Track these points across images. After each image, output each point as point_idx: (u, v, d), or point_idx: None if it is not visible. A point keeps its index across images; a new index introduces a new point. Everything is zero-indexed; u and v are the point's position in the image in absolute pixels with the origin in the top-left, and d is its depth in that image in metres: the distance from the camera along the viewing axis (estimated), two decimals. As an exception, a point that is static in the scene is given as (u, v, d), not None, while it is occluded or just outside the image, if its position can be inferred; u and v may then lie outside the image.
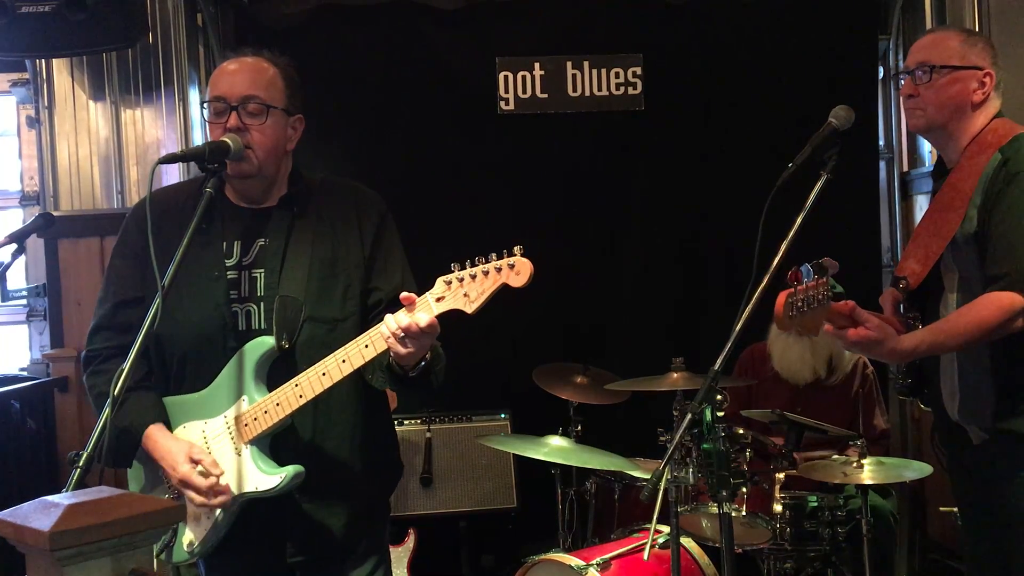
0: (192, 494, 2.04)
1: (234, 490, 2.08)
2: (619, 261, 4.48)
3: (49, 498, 1.17)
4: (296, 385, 2.05)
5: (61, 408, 4.16)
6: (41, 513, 1.12)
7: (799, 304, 1.99)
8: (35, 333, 4.46)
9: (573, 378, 3.91)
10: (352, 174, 4.15)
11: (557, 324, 4.36)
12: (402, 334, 1.93)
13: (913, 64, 2.40)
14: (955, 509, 2.80)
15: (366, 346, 2.00)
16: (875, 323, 2.16)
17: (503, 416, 4.18)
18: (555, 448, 3.17)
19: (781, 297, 1.98)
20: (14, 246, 3.01)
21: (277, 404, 2.06)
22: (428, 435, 4.06)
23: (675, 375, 3.28)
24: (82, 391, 3.41)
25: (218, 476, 2.05)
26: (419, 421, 4.08)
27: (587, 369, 3.94)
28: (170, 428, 2.15)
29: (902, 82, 2.44)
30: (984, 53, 2.39)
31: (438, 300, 1.95)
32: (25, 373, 4.38)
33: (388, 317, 1.96)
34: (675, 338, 4.34)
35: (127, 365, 1.81)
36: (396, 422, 3.95)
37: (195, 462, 2.05)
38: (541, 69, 4.44)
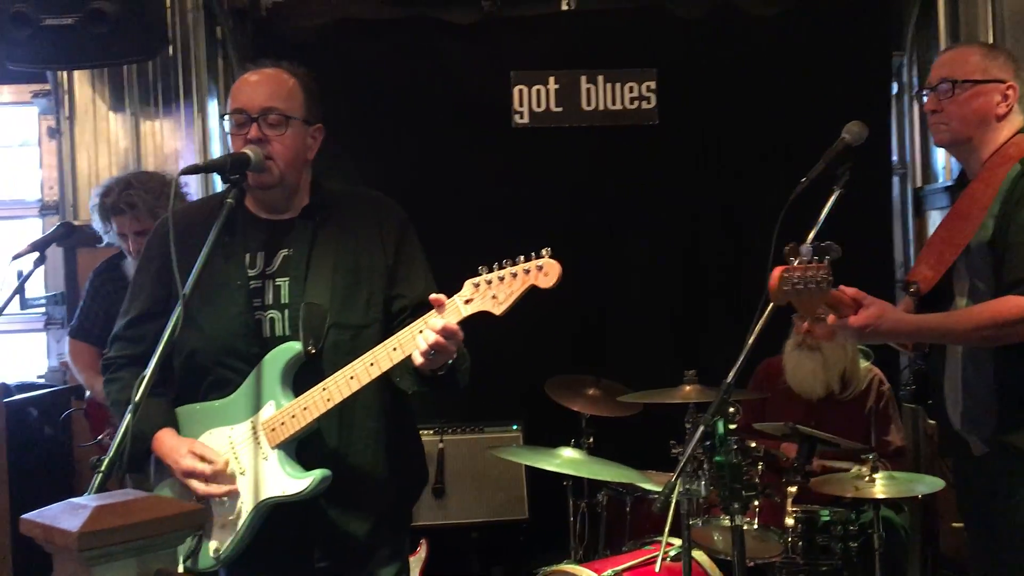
0: (195, 483, 2.09)
1: (261, 495, 2.11)
2: (632, 274, 4.50)
3: (77, 500, 1.20)
4: (324, 389, 2.07)
5: (78, 416, 4.18)
6: (69, 514, 1.15)
7: (795, 280, 1.97)
8: (53, 341, 4.51)
9: (585, 390, 3.93)
10: (366, 186, 4.22)
11: (570, 336, 4.38)
12: (433, 351, 1.95)
13: (935, 80, 2.42)
14: (966, 524, 2.79)
15: (394, 349, 2.03)
16: (871, 301, 2.16)
17: (515, 427, 4.20)
18: (567, 460, 3.18)
19: (776, 271, 1.97)
20: (36, 254, 3.08)
21: (304, 408, 2.08)
22: (440, 445, 4.08)
23: (688, 388, 3.29)
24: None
25: (222, 463, 2.09)
26: (432, 432, 4.10)
27: (599, 381, 3.96)
28: (179, 432, 2.19)
29: (925, 98, 2.46)
30: (1007, 66, 2.42)
31: (466, 302, 1.98)
32: (42, 381, 4.42)
33: (418, 325, 1.98)
34: (688, 351, 4.35)
35: (148, 372, 1.83)
36: (409, 432, 4.00)
37: (197, 455, 2.09)
38: (556, 83, 4.48)
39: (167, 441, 2.14)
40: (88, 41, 3.80)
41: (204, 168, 2.32)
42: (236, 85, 2.22)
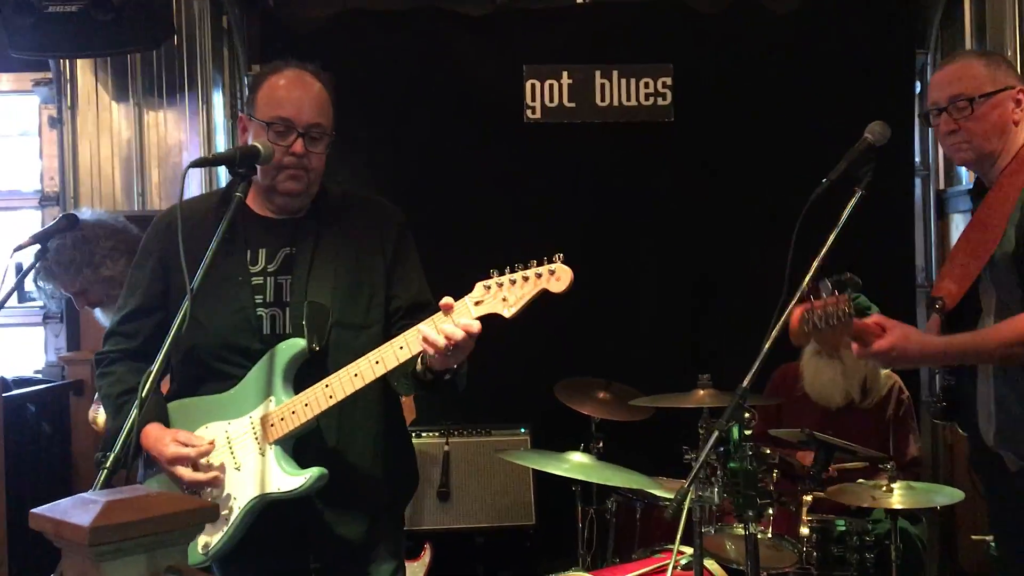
0: (182, 470, 2.11)
1: (256, 490, 2.14)
2: (646, 274, 4.52)
3: (87, 495, 1.22)
4: (327, 386, 2.11)
5: (76, 412, 4.23)
6: (80, 509, 1.18)
7: (816, 320, 2.00)
8: (51, 335, 4.54)
9: (596, 393, 3.95)
10: (374, 181, 4.28)
11: (580, 338, 4.40)
12: (446, 342, 1.98)
13: (945, 100, 2.41)
14: (987, 537, 2.81)
15: (401, 348, 2.07)
16: (893, 323, 2.17)
17: (523, 431, 4.22)
18: (576, 464, 3.20)
19: (797, 311, 2.00)
20: (37, 247, 3.10)
21: (306, 405, 2.12)
22: (446, 448, 4.11)
23: (701, 392, 3.31)
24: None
25: (206, 446, 2.12)
26: (437, 434, 4.12)
27: (610, 384, 3.98)
28: (172, 426, 2.21)
29: (933, 119, 2.45)
30: (1009, 70, 2.43)
31: (476, 304, 2.02)
32: (40, 376, 4.46)
33: (428, 325, 2.02)
34: (702, 354, 4.37)
35: (155, 367, 1.87)
36: (414, 434, 4.03)
37: (180, 442, 2.13)
38: (569, 78, 4.50)
39: (152, 433, 2.17)
40: (92, 29, 3.84)
41: (213, 161, 2.36)
42: (275, 89, 2.22)
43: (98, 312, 3.24)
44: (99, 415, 3.34)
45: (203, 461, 2.14)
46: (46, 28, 3.83)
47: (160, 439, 2.15)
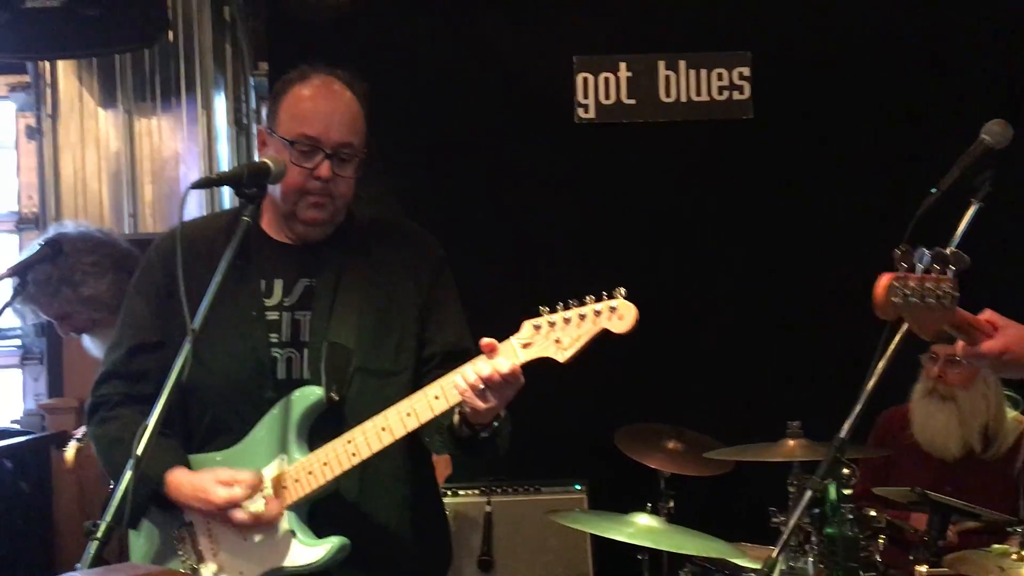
0: (239, 514, 2.10)
1: (267, 564, 2.16)
2: (722, 302, 4.51)
3: (78, 574, 1.24)
4: (349, 442, 2.13)
5: (59, 468, 4.28)
6: (72, 590, 1.20)
7: (908, 291, 1.91)
8: (30, 379, 4.61)
9: (664, 443, 3.93)
10: (401, 193, 4.32)
11: (645, 377, 4.39)
12: (482, 386, 2.00)
13: None
14: None
15: (436, 397, 2.08)
16: (1008, 322, 2.11)
17: (579, 488, 4.21)
18: (642, 528, 3.20)
19: (884, 277, 1.94)
20: (15, 279, 3.17)
21: (324, 464, 2.14)
22: (488, 509, 4.11)
23: (791, 443, 3.29)
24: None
25: (254, 478, 2.12)
26: (478, 492, 4.13)
27: (682, 433, 3.96)
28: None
29: None
30: None
31: (524, 346, 2.03)
32: (17, 426, 4.51)
33: (466, 366, 2.04)
34: (791, 397, 4.33)
35: (152, 421, 1.89)
36: (450, 492, 4.04)
37: (225, 483, 2.12)
38: (628, 70, 4.53)
39: (186, 480, 2.17)
40: (76, 26, 3.91)
41: (217, 181, 2.40)
42: (299, 104, 2.27)
43: (86, 340, 3.27)
44: (68, 450, 3.39)
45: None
46: (23, 26, 3.91)
47: (200, 487, 2.14)
